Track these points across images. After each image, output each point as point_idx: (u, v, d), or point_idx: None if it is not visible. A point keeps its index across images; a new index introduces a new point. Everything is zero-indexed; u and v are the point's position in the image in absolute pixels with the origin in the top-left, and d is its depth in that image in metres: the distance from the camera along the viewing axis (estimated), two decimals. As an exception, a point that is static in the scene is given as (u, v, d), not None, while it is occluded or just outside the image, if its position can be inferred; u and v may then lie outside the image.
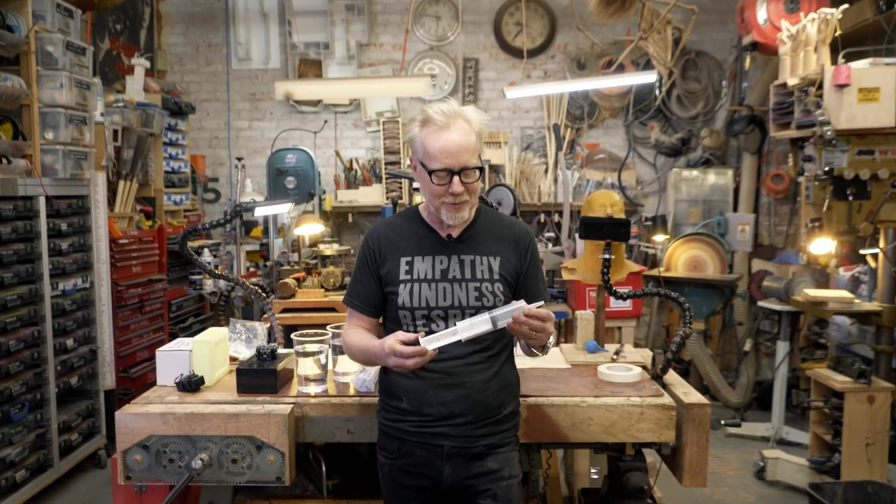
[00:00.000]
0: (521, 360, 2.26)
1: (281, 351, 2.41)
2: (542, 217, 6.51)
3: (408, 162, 6.03)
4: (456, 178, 1.75)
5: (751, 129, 6.10)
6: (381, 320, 1.97)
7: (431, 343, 1.67)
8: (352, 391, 2.22)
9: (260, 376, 2.19)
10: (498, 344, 1.90)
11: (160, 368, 2.37)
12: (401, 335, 1.68)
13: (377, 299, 1.92)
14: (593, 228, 2.62)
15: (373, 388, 2.16)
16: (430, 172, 1.76)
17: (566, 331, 4.62)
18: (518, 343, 1.95)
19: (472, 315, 1.76)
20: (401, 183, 6.32)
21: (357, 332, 1.90)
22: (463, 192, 1.78)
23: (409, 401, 1.87)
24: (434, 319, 1.83)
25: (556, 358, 2.61)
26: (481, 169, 1.79)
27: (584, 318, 2.75)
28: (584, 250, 2.76)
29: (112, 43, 5.98)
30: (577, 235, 4.35)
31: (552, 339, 1.75)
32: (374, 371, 2.16)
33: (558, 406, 2.15)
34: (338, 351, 2.24)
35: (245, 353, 2.55)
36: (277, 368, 2.20)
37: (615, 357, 2.58)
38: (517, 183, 6.58)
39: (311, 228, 4.75)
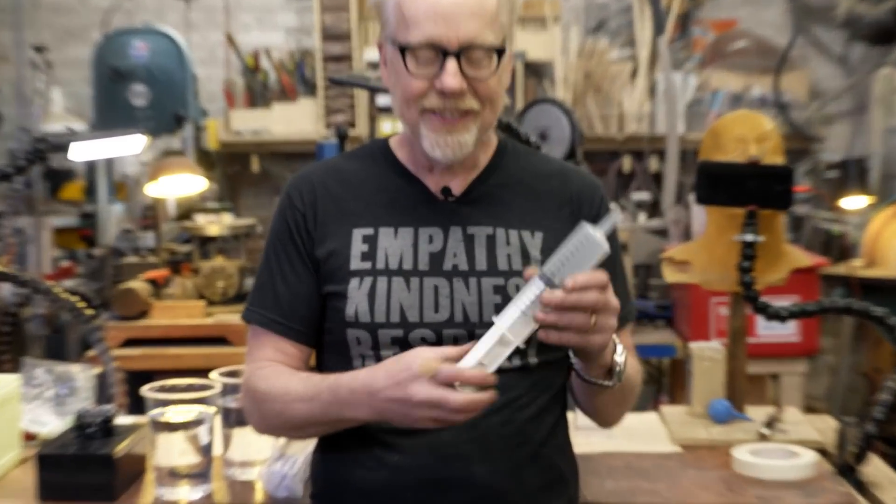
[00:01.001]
0: (585, 436, 1.97)
1: (123, 420, 2.00)
2: (626, 163, 4.77)
3: (368, 56, 4.71)
4: (451, 63, 1.32)
5: None
6: (312, 355, 1.50)
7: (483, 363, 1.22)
8: (259, 497, 1.79)
9: (82, 470, 1.80)
10: (535, 393, 1.41)
11: None
12: (437, 351, 1.23)
13: (310, 309, 1.45)
14: (724, 185, 2.09)
15: (299, 489, 1.72)
16: (404, 51, 1.34)
17: (671, 381, 3.73)
18: (572, 391, 1.47)
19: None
20: (352, 97, 4.84)
21: (278, 372, 1.42)
22: (464, 94, 1.34)
23: None
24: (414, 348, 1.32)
25: (653, 431, 2.14)
26: (501, 52, 1.35)
27: (707, 358, 2.21)
28: (707, 227, 2.21)
29: None
30: (692, 198, 3.45)
31: (621, 352, 1.33)
32: (299, 458, 1.72)
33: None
34: (233, 419, 1.82)
35: (53, 423, 2.11)
36: (115, 455, 1.79)
37: (767, 431, 2.09)
38: (578, 96, 4.77)
39: (181, 184, 3.62)
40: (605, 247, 1.21)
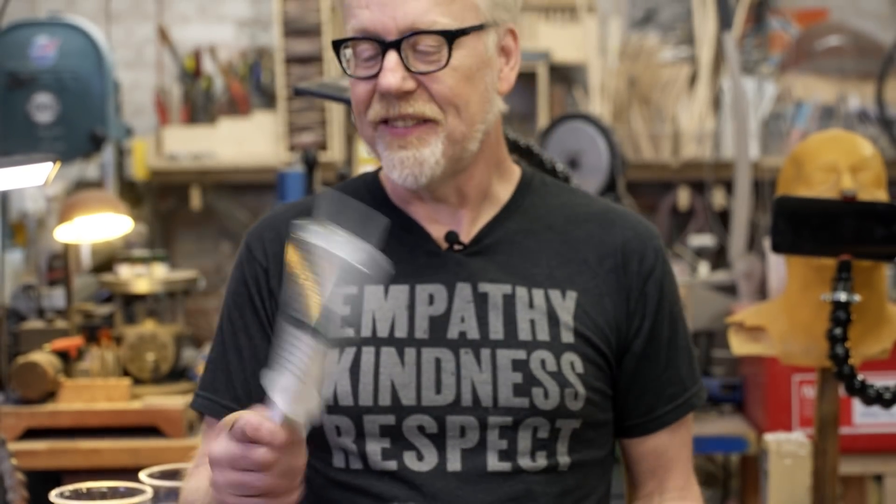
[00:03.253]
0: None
1: None
2: (683, 197, 4.25)
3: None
4: (389, 56, 1.25)
5: None
6: None
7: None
8: None
9: None
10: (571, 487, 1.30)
11: None
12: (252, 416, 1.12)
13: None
14: (809, 227, 1.94)
15: None
16: (338, 47, 1.30)
17: (741, 484, 3.21)
18: None
19: (506, 435, 1.25)
20: (323, 110, 4.34)
21: (205, 468, 1.29)
22: (412, 95, 1.27)
23: None
24: (406, 444, 1.27)
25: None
26: (455, 35, 1.25)
27: (788, 454, 2.01)
28: (788, 283, 2.08)
29: None
30: (768, 245, 2.97)
31: None
32: None
33: None
34: None
35: None
36: None
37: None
38: (619, 110, 4.20)
39: (99, 226, 3.36)
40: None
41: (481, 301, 1.31)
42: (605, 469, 1.32)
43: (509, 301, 1.31)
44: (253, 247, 1.41)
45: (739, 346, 2.13)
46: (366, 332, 1.31)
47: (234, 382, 1.40)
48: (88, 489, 1.57)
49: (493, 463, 1.23)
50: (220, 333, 1.43)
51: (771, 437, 2.02)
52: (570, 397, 1.26)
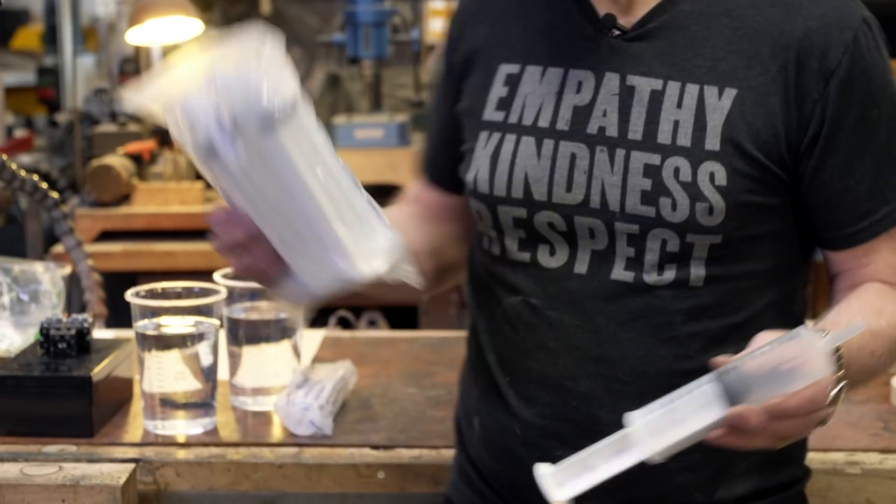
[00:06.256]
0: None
1: (101, 334, 1.93)
2: None
3: None
4: None
5: None
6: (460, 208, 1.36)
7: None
8: (277, 432, 1.65)
9: (51, 397, 1.69)
10: (698, 323, 1.17)
11: None
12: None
13: (447, 156, 1.33)
14: None
15: (327, 425, 1.58)
16: None
17: None
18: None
19: (634, 244, 1.14)
20: None
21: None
22: None
23: (486, 441, 1.29)
24: (540, 238, 1.20)
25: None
26: None
27: None
28: None
29: None
30: None
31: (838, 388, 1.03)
32: (327, 386, 1.58)
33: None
34: (243, 335, 1.67)
35: (11, 337, 1.93)
36: (94, 376, 1.65)
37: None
38: None
39: (170, 30, 3.31)
40: (827, 371, 1.01)
41: (627, 95, 1.20)
42: (769, 280, 1.20)
43: (656, 98, 1.19)
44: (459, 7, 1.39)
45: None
46: (513, 117, 1.25)
47: (430, 144, 1.44)
48: (164, 289, 1.67)
49: (619, 272, 1.16)
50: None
51: None
52: (702, 212, 1.15)
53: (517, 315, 1.20)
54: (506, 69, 1.28)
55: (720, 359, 1.03)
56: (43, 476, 1.59)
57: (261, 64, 0.97)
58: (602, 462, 1.04)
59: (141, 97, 1.05)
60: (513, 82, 1.26)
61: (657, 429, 1.01)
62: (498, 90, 1.28)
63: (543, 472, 1.04)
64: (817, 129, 1.15)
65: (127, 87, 1.08)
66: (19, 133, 3.98)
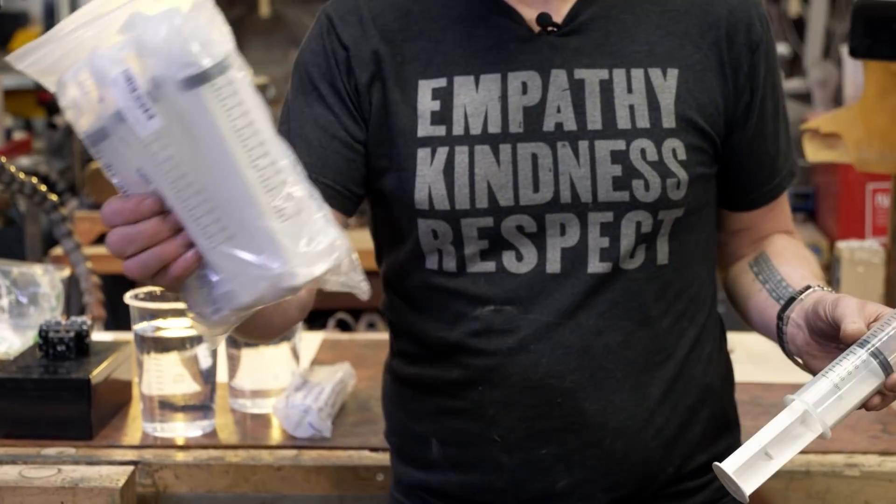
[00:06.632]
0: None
1: (100, 336, 1.93)
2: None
3: None
4: None
5: None
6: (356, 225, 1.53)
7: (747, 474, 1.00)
8: (275, 435, 1.66)
9: (49, 400, 1.69)
10: (666, 302, 1.23)
11: None
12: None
13: (348, 162, 1.23)
14: (888, 31, 1.86)
15: (326, 427, 1.58)
16: None
17: None
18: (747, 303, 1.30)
19: (608, 233, 1.17)
20: None
21: None
22: None
23: (450, 458, 1.27)
24: (505, 244, 1.19)
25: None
26: None
27: (860, 262, 2.04)
28: (864, 89, 2.00)
29: None
30: (844, 51, 2.97)
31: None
32: (326, 388, 1.59)
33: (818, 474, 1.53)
34: (242, 340, 1.68)
35: (10, 340, 1.96)
36: (93, 379, 1.66)
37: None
38: None
39: None
40: None
41: (578, 88, 1.21)
42: (708, 249, 1.28)
43: (606, 86, 1.22)
44: (334, 19, 1.29)
45: (814, 153, 2.05)
46: (458, 129, 1.23)
47: (310, 145, 1.28)
48: (162, 291, 1.59)
49: (595, 264, 1.18)
50: (287, 105, 1.32)
51: (843, 245, 2.03)
52: (672, 187, 1.20)
53: (488, 325, 1.20)
54: (428, 84, 1.25)
55: (857, 328, 1.06)
56: (42, 478, 1.58)
57: (187, 14, 0.83)
58: (781, 448, 1.05)
59: (31, 61, 0.88)
60: (444, 95, 1.23)
61: (827, 406, 1.04)
62: (427, 105, 1.25)
63: (728, 470, 1.03)
64: (748, 99, 1.24)
65: (14, 52, 0.90)
66: (18, 135, 3.95)
